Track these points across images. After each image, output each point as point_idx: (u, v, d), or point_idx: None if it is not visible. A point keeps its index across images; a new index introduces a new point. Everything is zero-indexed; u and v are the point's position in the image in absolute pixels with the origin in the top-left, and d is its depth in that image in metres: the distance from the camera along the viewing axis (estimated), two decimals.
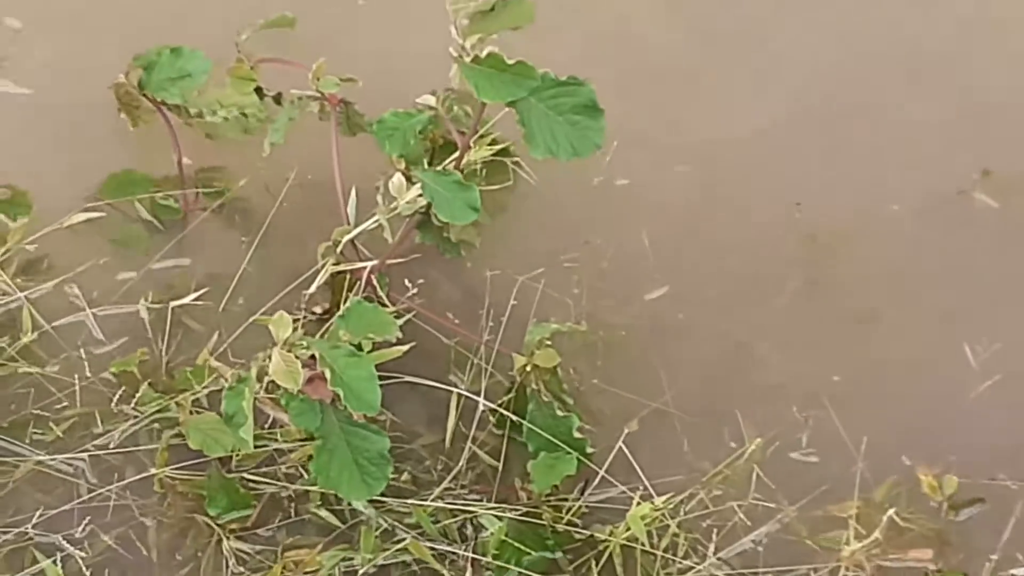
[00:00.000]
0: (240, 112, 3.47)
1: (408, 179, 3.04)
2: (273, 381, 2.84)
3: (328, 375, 2.75)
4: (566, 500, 3.05)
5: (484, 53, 2.91)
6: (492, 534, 2.98)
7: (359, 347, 2.89)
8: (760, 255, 3.49)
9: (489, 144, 3.46)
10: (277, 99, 3.40)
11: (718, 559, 2.98)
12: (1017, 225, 3.53)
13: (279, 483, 3.08)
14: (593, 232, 3.51)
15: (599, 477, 3.04)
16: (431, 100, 3.15)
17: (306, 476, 3.05)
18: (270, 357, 2.77)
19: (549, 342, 3.09)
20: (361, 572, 2.97)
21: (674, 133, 3.66)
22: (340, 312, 2.91)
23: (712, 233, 3.52)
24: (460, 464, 3.11)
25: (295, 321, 3.03)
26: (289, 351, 2.78)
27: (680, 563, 2.97)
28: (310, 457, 2.91)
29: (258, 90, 3.40)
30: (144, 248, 3.44)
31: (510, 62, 2.90)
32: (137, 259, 3.41)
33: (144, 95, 3.39)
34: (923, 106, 3.70)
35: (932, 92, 3.72)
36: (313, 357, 2.79)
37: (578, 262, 3.45)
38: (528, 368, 3.07)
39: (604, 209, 3.56)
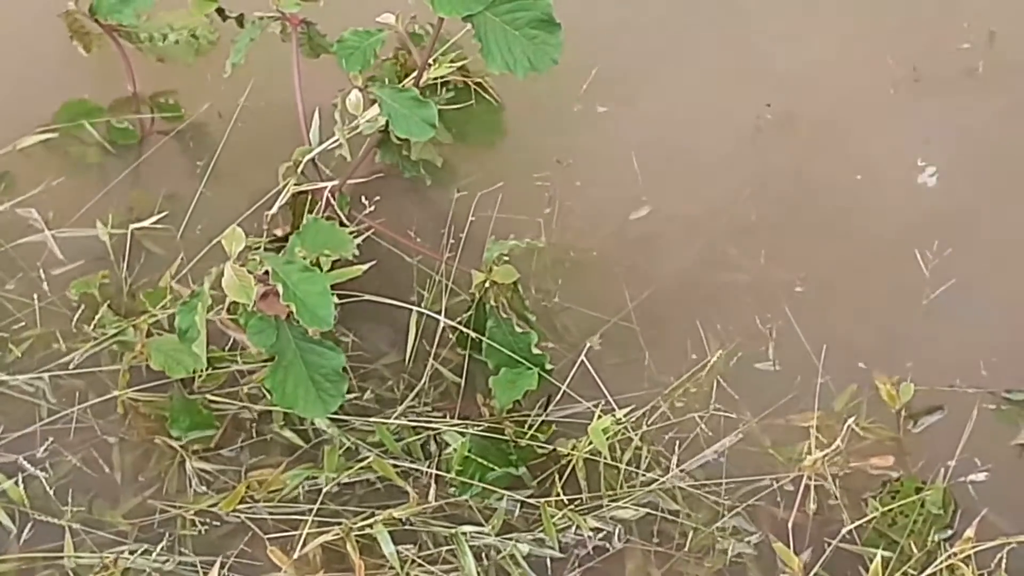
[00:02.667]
0: (191, 34, 3.47)
1: (366, 96, 3.03)
2: (234, 302, 2.85)
3: (281, 290, 2.74)
4: (529, 416, 3.05)
5: None
6: (455, 451, 2.99)
7: (318, 266, 2.89)
8: (730, 160, 3.52)
9: (451, 63, 3.45)
10: (239, 20, 3.39)
11: (681, 471, 2.98)
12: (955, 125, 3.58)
13: (241, 404, 3.08)
14: (567, 151, 3.51)
15: (561, 392, 3.04)
16: (391, 19, 3.13)
17: (268, 397, 3.05)
18: (223, 272, 2.77)
19: (508, 258, 3.08)
20: (325, 490, 2.97)
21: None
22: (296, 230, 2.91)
23: (689, 150, 3.55)
24: (423, 382, 3.10)
25: (257, 245, 3.04)
26: (242, 266, 2.77)
27: (643, 475, 2.97)
28: None
29: (220, 11, 3.38)
30: (100, 165, 3.44)
31: None
32: (94, 183, 3.41)
33: (96, 20, 3.37)
34: None
35: None
36: (268, 273, 2.78)
37: (550, 181, 3.45)
38: (487, 284, 3.07)
39: (580, 132, 3.57)
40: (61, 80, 3.55)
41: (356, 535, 2.89)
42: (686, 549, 2.94)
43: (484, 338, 3.05)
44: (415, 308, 3.11)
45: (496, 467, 2.99)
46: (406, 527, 2.94)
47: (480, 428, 3.03)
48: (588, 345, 3.12)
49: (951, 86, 3.63)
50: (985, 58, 3.67)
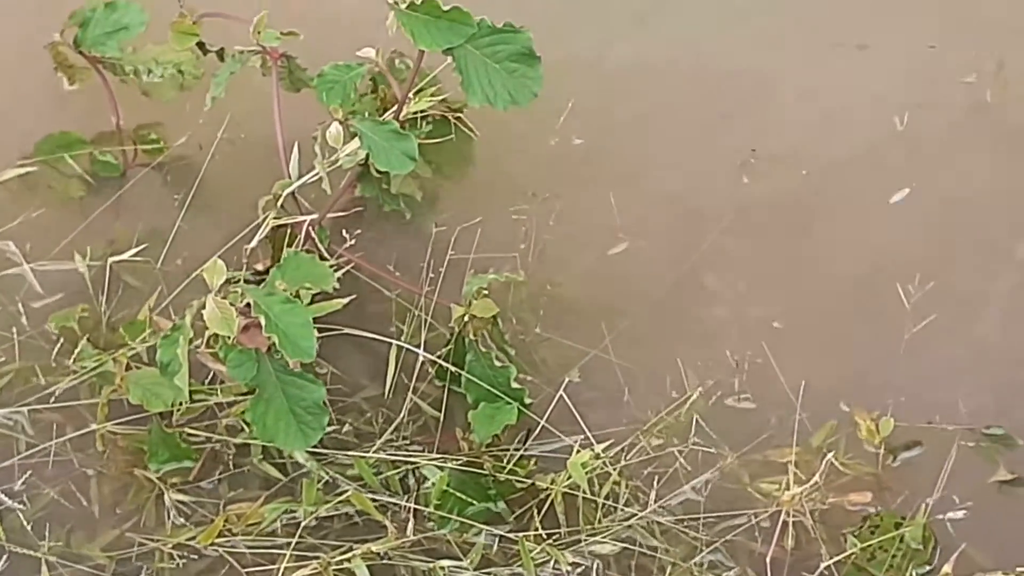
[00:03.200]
0: (176, 69, 3.48)
1: (346, 129, 3.03)
2: (214, 335, 2.85)
3: (263, 321, 2.74)
4: (508, 450, 3.05)
5: (420, 0, 2.90)
6: (434, 485, 2.98)
7: (298, 299, 2.89)
8: (709, 196, 3.54)
9: (431, 96, 3.46)
10: (220, 54, 3.40)
11: (659, 506, 2.98)
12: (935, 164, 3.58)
13: (220, 437, 3.07)
14: (543, 187, 3.52)
15: (540, 427, 3.04)
16: (371, 53, 3.14)
17: (247, 430, 3.05)
18: (205, 305, 2.77)
19: (487, 292, 3.09)
20: (303, 524, 2.96)
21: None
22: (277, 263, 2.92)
23: (664, 186, 3.55)
24: (401, 415, 3.10)
25: (237, 278, 3.04)
26: (224, 298, 2.77)
27: (622, 510, 2.97)
28: None
29: (200, 45, 3.39)
30: (81, 199, 3.44)
31: (446, 8, 2.89)
32: (75, 216, 3.41)
33: (81, 52, 3.38)
34: None
35: None
36: (249, 306, 2.78)
37: (526, 215, 3.46)
38: (466, 318, 3.07)
39: (556, 166, 3.58)
40: (44, 112, 3.56)
41: (334, 569, 2.88)
42: None
43: (463, 372, 3.05)
44: (394, 342, 3.11)
45: (475, 501, 2.98)
46: (384, 561, 2.93)
47: (459, 462, 3.02)
48: (567, 379, 3.12)
49: (943, 125, 3.65)
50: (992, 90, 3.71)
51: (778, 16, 3.88)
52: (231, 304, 2.77)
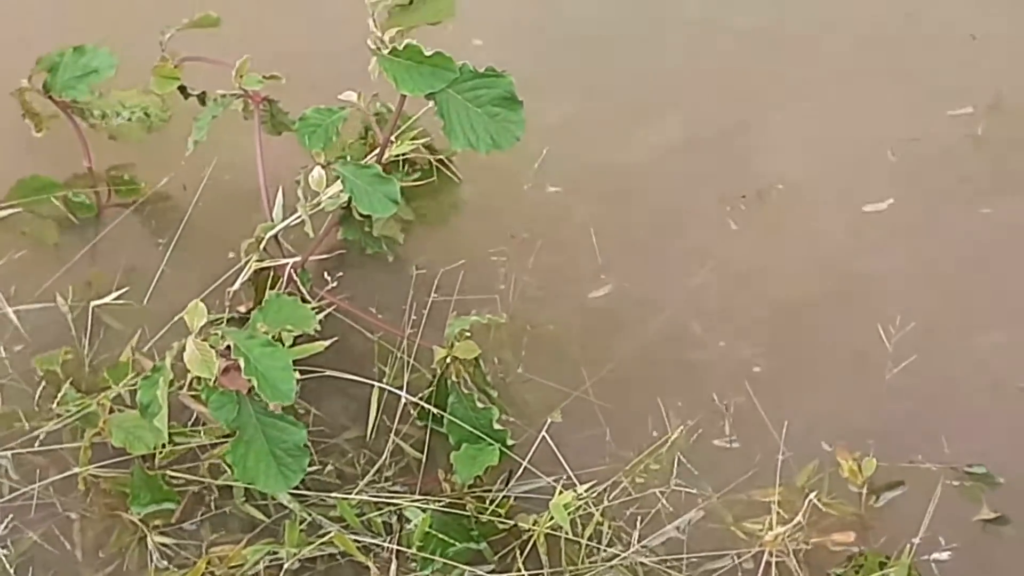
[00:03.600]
0: (143, 112, 3.50)
1: (328, 172, 3.04)
2: (196, 377, 2.85)
3: (243, 364, 2.75)
4: (490, 491, 3.05)
5: (403, 45, 2.91)
6: (416, 526, 2.98)
7: (280, 341, 2.90)
8: (691, 239, 3.55)
9: (413, 140, 3.47)
10: (201, 98, 3.41)
11: (642, 547, 2.97)
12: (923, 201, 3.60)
13: (202, 479, 3.07)
14: (522, 229, 3.53)
15: (522, 468, 3.04)
16: (353, 97, 3.15)
17: (229, 472, 3.04)
18: (185, 347, 2.77)
19: (469, 334, 3.09)
20: (286, 566, 2.96)
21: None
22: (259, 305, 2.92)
23: (649, 226, 3.57)
24: (384, 457, 3.10)
25: (219, 320, 3.04)
26: (204, 340, 2.77)
27: (604, 551, 2.97)
28: None
29: (182, 88, 3.40)
30: (57, 245, 3.45)
31: (428, 53, 2.90)
32: (53, 258, 3.42)
33: (50, 97, 3.39)
34: None
35: None
36: (230, 348, 2.79)
37: (505, 255, 3.47)
38: (448, 360, 3.07)
39: (535, 209, 3.59)
40: (16, 157, 3.57)
41: None
42: None
43: (445, 414, 3.06)
44: (376, 383, 3.11)
45: (457, 542, 2.98)
46: None
47: (441, 503, 3.02)
48: (549, 420, 3.12)
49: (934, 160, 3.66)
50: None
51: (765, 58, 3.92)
52: (212, 346, 2.78)
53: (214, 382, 2.81)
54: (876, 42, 3.97)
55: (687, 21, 4.04)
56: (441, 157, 3.53)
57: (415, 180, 3.52)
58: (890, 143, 3.69)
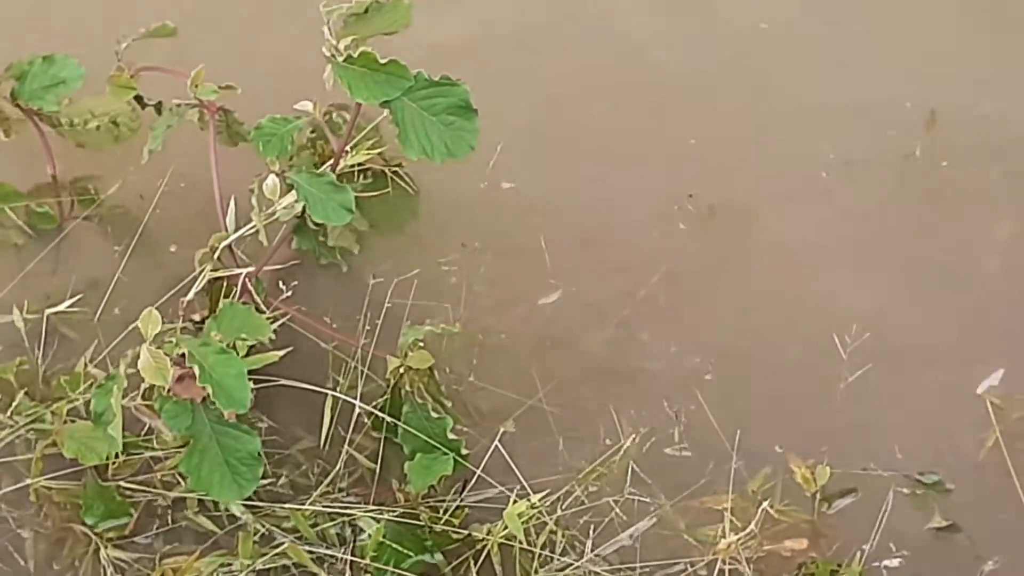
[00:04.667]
0: (111, 121, 3.49)
1: (283, 181, 3.04)
2: (151, 387, 2.84)
3: (197, 372, 2.74)
4: (444, 501, 3.05)
5: (357, 53, 2.91)
6: (370, 536, 2.98)
7: (235, 351, 2.89)
8: (642, 245, 3.54)
9: (368, 150, 3.47)
10: (158, 108, 3.40)
11: (595, 555, 2.98)
12: (870, 216, 3.60)
13: (156, 491, 3.06)
14: (475, 235, 3.53)
15: (476, 477, 3.05)
16: (308, 106, 3.15)
17: (183, 484, 3.03)
18: (139, 355, 2.76)
19: (423, 344, 3.10)
20: None
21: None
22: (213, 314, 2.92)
23: (599, 233, 3.56)
24: (337, 467, 3.10)
25: (173, 328, 3.04)
26: (159, 348, 2.77)
27: (558, 560, 2.98)
28: None
29: (138, 98, 3.40)
30: (18, 256, 3.43)
31: (383, 61, 2.90)
32: (12, 268, 3.40)
33: (17, 105, 3.38)
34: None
35: None
36: (184, 356, 2.78)
37: (457, 265, 3.47)
38: (402, 370, 3.08)
39: (487, 215, 3.59)
40: None
41: None
42: None
43: (400, 423, 3.06)
44: (331, 392, 3.11)
45: (411, 553, 2.98)
46: None
47: (395, 513, 3.02)
48: (502, 430, 3.13)
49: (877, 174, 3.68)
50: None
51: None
52: (166, 354, 2.78)
53: (168, 391, 2.81)
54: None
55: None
56: (396, 167, 3.53)
57: (370, 189, 3.52)
58: (827, 163, 3.69)
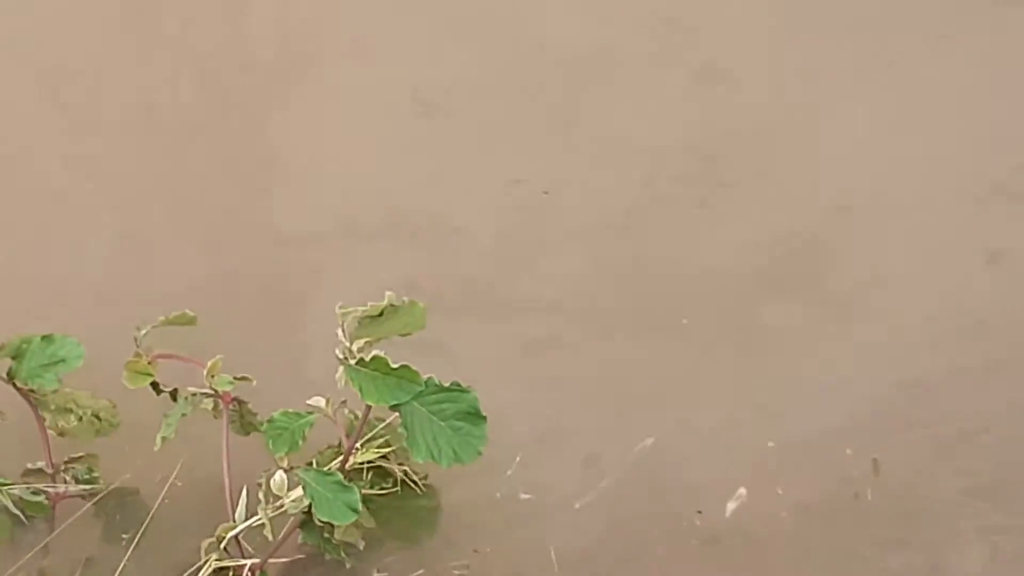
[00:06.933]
0: (93, 415, 3.49)
1: (291, 478, 3.07)
2: None
3: None
4: None
5: (370, 357, 2.97)
6: None
7: None
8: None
9: (378, 447, 3.50)
10: (173, 395, 3.45)
11: None
12: None
13: None
14: (487, 542, 3.53)
15: None
16: (321, 402, 3.20)
17: None
18: None
19: None
20: None
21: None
22: None
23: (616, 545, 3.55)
24: None
25: None
26: None
27: None
28: None
29: (154, 385, 3.44)
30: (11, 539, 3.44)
31: (394, 366, 2.95)
32: (6, 553, 3.39)
33: (13, 384, 3.40)
34: None
35: None
36: None
37: (468, 570, 3.46)
38: None
39: (501, 520, 3.58)
40: None
41: None
42: None
43: None
44: None
45: None
46: None
47: None
48: None
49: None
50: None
51: None
52: None
53: None
54: None
55: None
56: (405, 468, 3.56)
57: (380, 489, 3.54)
58: None
